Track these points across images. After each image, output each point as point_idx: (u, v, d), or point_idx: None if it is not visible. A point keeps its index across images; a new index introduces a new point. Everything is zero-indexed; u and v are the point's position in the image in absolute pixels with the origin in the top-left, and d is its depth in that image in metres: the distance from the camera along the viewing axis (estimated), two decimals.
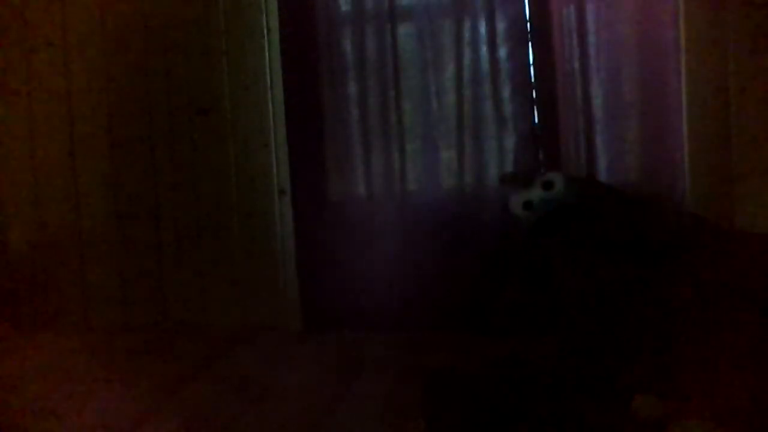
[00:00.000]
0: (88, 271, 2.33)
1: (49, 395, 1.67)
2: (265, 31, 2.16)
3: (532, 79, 2.08)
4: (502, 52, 2.07)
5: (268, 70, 2.17)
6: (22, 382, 1.80)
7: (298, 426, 1.44)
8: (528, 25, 2.07)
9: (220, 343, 2.07)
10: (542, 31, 2.07)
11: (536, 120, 2.09)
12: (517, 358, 1.76)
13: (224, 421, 1.47)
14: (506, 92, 2.09)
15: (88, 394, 1.67)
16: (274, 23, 2.16)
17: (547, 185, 1.55)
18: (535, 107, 2.09)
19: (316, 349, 1.98)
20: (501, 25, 2.07)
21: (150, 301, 2.29)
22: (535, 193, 1.55)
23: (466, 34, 2.09)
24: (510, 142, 2.11)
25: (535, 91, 2.09)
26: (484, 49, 2.08)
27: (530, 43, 2.08)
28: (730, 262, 1.50)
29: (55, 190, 2.33)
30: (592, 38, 2.04)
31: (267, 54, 2.17)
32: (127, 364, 1.92)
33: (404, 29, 2.13)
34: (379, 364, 1.82)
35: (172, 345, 2.09)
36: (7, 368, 1.93)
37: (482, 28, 2.08)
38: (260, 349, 2.01)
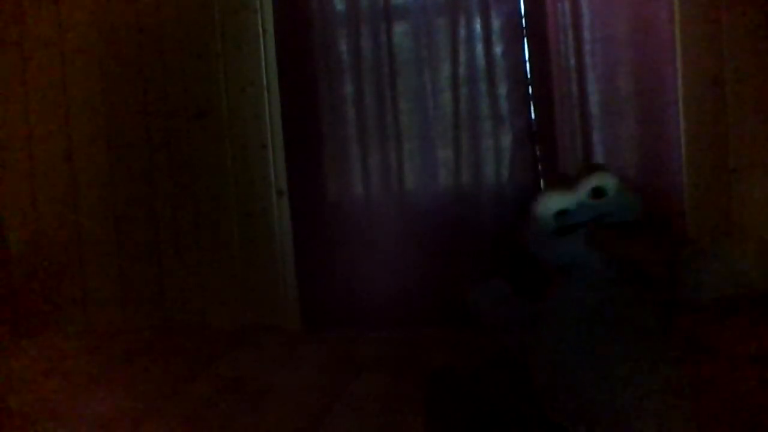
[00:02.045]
0: (87, 272, 2.34)
1: (49, 396, 1.68)
2: (261, 33, 2.17)
3: (528, 77, 2.08)
4: (498, 49, 2.07)
5: (264, 72, 2.18)
6: (22, 383, 1.81)
7: (297, 425, 1.44)
8: (523, 21, 2.07)
9: (219, 343, 2.07)
10: (538, 28, 2.07)
11: (533, 117, 2.10)
12: (517, 356, 1.74)
13: (223, 421, 1.48)
14: (502, 90, 2.09)
15: (88, 395, 1.68)
16: (270, 24, 2.17)
17: (598, 193, 1.24)
18: (531, 104, 2.09)
19: (315, 349, 1.98)
20: (496, 23, 2.07)
21: (149, 302, 2.30)
22: (576, 200, 1.25)
23: (462, 32, 2.09)
24: (507, 139, 2.11)
25: (531, 89, 2.09)
26: (479, 47, 2.08)
27: (526, 40, 2.08)
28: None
29: (53, 192, 2.34)
30: (587, 34, 2.04)
31: (263, 55, 2.18)
32: (127, 365, 1.92)
33: (399, 28, 2.14)
34: (378, 363, 1.81)
35: (172, 345, 2.09)
36: (7, 369, 1.94)
37: (477, 26, 2.08)
38: (259, 349, 2.01)
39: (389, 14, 2.13)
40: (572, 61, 2.05)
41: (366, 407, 1.50)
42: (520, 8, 2.07)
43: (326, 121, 2.21)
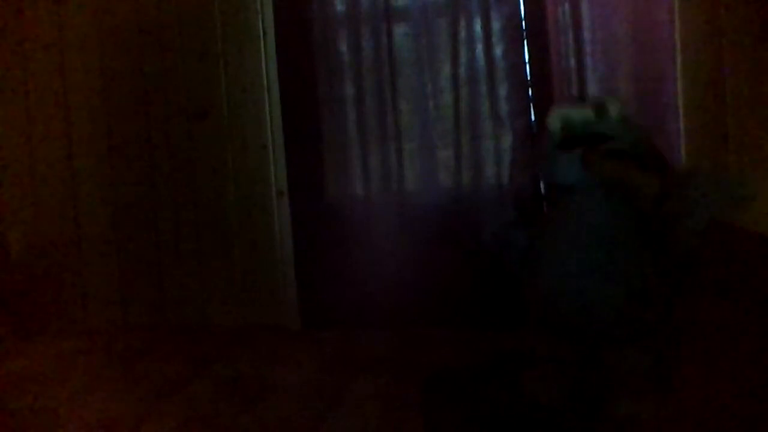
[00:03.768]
0: (87, 272, 2.34)
1: (49, 396, 1.69)
2: (262, 33, 2.17)
3: (529, 78, 2.08)
4: (498, 50, 2.07)
5: (265, 72, 2.18)
6: (22, 382, 1.81)
7: (297, 425, 1.44)
8: (523, 23, 2.07)
9: (219, 343, 2.08)
10: (538, 29, 2.07)
11: (533, 118, 2.10)
12: (517, 354, 1.75)
13: (223, 421, 1.48)
14: (502, 91, 2.09)
15: (88, 394, 1.68)
16: (270, 25, 2.17)
17: (600, 111, 1.35)
18: (531, 106, 2.09)
19: (315, 348, 1.99)
20: (496, 24, 2.07)
21: (149, 302, 2.30)
22: (581, 114, 1.37)
23: (462, 34, 2.09)
24: (507, 140, 2.11)
25: (532, 90, 2.09)
26: (479, 48, 2.08)
27: (526, 42, 2.08)
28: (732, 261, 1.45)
29: (53, 191, 2.34)
30: (587, 36, 2.03)
31: (264, 56, 2.18)
32: (127, 365, 1.92)
33: (400, 29, 2.14)
34: (377, 362, 1.82)
35: (172, 345, 2.10)
36: (7, 369, 1.94)
37: (478, 27, 2.08)
38: (259, 349, 2.01)
39: (390, 15, 2.13)
40: (572, 62, 2.04)
41: (366, 407, 1.51)
42: (520, 9, 2.07)
43: (326, 121, 2.21)
